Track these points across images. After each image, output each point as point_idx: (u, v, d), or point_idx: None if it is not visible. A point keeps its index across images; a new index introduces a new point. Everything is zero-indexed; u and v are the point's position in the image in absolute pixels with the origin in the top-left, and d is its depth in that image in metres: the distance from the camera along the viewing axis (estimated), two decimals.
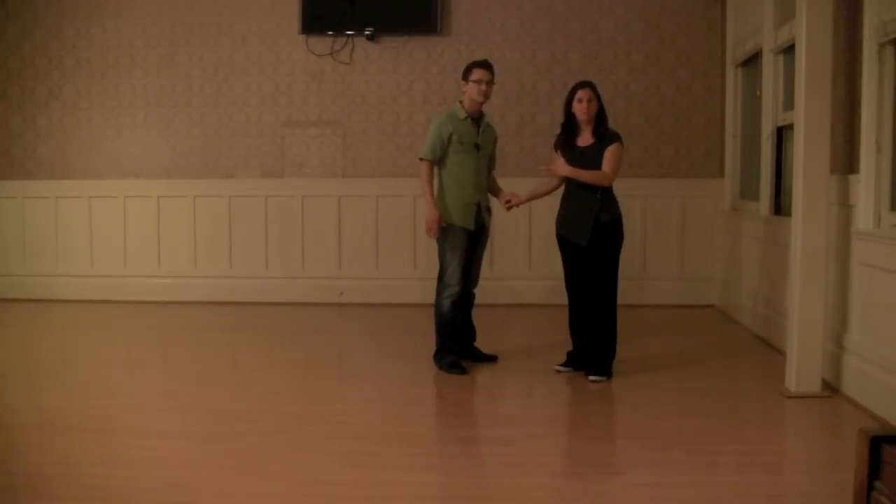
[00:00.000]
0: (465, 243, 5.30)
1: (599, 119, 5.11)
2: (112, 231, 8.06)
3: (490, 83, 5.30)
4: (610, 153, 5.04)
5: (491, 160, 5.52)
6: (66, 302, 7.89)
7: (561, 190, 5.28)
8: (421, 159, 5.36)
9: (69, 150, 8.12)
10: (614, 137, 5.10)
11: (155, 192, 8.01)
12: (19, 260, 8.13)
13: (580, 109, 5.06)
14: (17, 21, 8.05)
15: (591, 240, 5.03)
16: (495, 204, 5.59)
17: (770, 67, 6.23)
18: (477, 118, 5.36)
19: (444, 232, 5.29)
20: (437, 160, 5.31)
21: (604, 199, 5.04)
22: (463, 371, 5.26)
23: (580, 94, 5.08)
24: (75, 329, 7.04)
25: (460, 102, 5.40)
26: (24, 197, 8.11)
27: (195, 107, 8.01)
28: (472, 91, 5.29)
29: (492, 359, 5.55)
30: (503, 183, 5.69)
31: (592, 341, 5.13)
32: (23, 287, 8.04)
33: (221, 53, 7.95)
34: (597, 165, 5.03)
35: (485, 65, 5.34)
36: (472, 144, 5.32)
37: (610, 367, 5.12)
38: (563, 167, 5.09)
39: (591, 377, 5.08)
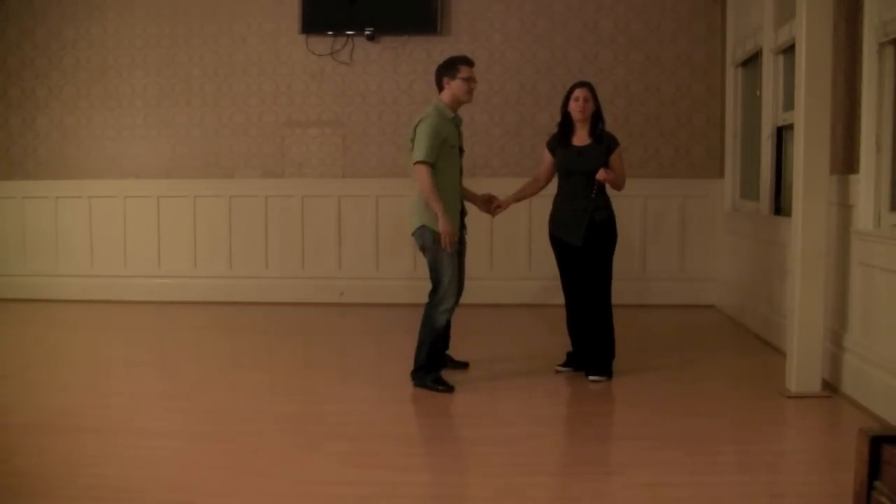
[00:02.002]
0: (458, 252, 5.00)
1: (596, 119, 5.12)
2: (112, 231, 8.06)
3: (476, 82, 5.07)
4: (619, 160, 5.11)
5: None
6: (66, 302, 7.89)
7: (552, 190, 5.28)
8: (421, 163, 4.81)
9: (69, 150, 8.12)
10: (615, 141, 5.13)
11: (155, 192, 8.01)
12: (19, 260, 8.13)
13: (576, 108, 5.07)
14: (17, 21, 8.05)
15: (586, 239, 5.04)
16: (471, 208, 5.38)
17: (770, 67, 6.23)
18: (455, 117, 5.03)
19: (438, 242, 4.88)
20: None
21: (598, 198, 5.05)
22: (450, 388, 4.93)
23: (577, 93, 5.08)
24: (75, 329, 7.04)
25: (439, 100, 4.99)
26: (24, 197, 8.11)
27: (195, 107, 8.01)
28: (460, 90, 4.95)
29: (463, 366, 5.35)
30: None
31: (591, 341, 5.14)
32: (23, 287, 8.04)
33: (221, 53, 7.95)
34: (594, 165, 5.02)
35: (472, 62, 5.05)
36: (458, 147, 5.04)
37: (610, 367, 5.13)
38: (606, 174, 5.00)
39: (591, 377, 5.08)
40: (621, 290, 7.58)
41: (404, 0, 7.70)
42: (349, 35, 7.77)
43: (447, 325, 5.10)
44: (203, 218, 8.01)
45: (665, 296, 7.67)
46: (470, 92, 5.00)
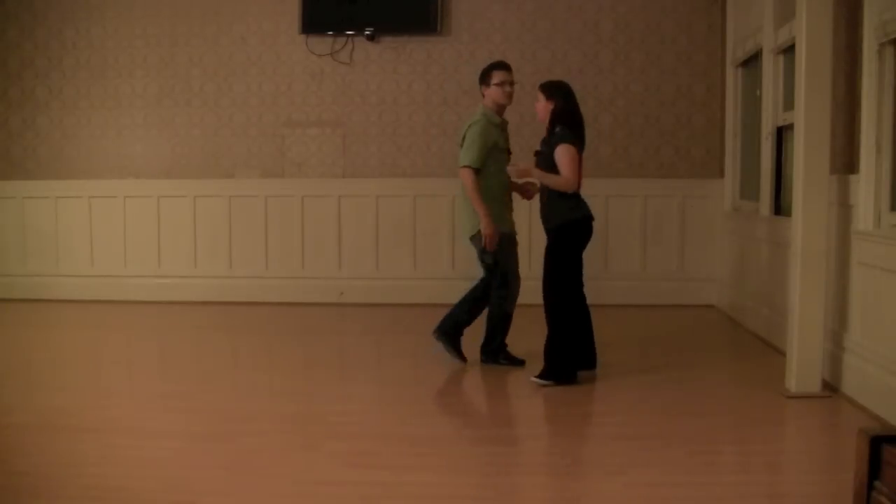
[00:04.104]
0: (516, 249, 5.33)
1: (554, 120, 4.98)
2: (112, 231, 8.06)
3: (513, 84, 5.25)
4: (557, 157, 4.87)
5: None
6: (66, 302, 7.89)
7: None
8: (466, 167, 5.10)
9: (69, 150, 8.12)
10: (559, 139, 4.91)
11: (155, 192, 8.01)
12: (19, 260, 8.13)
13: None
14: (17, 21, 8.04)
15: (548, 242, 5.03)
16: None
17: (770, 67, 6.23)
18: (501, 122, 5.29)
19: (500, 241, 5.17)
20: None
21: (550, 204, 4.97)
22: (520, 362, 5.37)
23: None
24: (75, 329, 7.04)
25: (484, 105, 5.26)
26: (24, 197, 8.11)
27: (195, 107, 8.01)
28: (496, 95, 5.21)
29: (520, 363, 5.40)
30: None
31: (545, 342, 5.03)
32: (23, 287, 8.04)
33: (221, 53, 7.95)
34: (545, 167, 4.92)
35: (504, 66, 5.29)
36: (506, 150, 5.30)
37: (555, 372, 4.92)
38: (526, 169, 5.06)
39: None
40: (621, 290, 7.65)
41: (404, 0, 7.70)
42: (349, 35, 7.77)
43: (510, 314, 5.34)
44: (203, 218, 8.01)
45: (665, 296, 7.67)
46: (507, 95, 5.24)
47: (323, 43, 7.83)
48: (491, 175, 5.16)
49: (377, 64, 7.86)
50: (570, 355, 4.95)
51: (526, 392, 5.09)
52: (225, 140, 8.01)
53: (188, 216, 8.01)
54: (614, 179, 7.67)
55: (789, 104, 5.88)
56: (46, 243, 8.11)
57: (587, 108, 7.57)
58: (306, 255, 7.96)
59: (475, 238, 5.23)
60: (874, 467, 2.29)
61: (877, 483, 2.29)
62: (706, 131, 7.69)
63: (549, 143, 4.96)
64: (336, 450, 3.92)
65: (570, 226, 4.93)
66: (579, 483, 3.56)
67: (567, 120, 4.95)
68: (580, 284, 5.06)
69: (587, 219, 4.97)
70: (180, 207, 8.01)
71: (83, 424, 4.29)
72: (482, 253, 5.25)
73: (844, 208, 4.78)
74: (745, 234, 6.85)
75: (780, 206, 6.27)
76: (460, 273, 7.57)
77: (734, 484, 3.53)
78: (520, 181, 5.33)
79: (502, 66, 5.29)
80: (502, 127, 5.29)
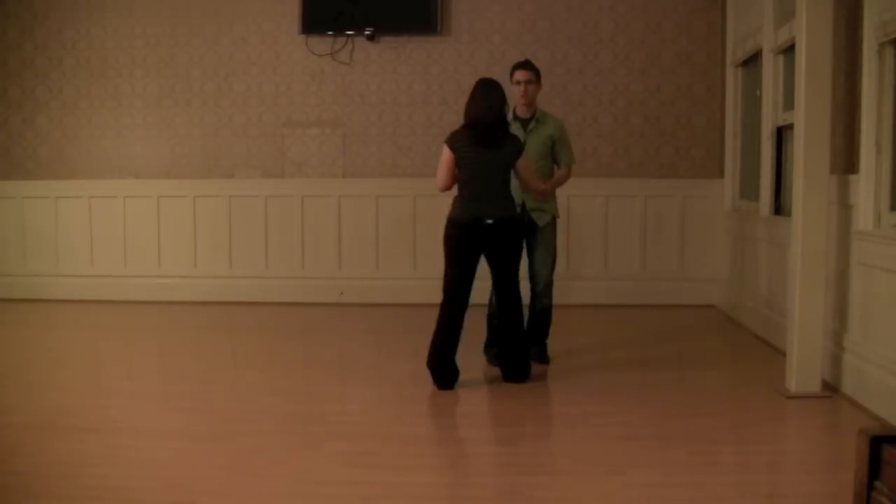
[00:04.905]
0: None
1: None
2: (112, 231, 8.06)
3: (530, 83, 5.29)
4: None
5: (559, 155, 5.38)
6: (66, 302, 7.89)
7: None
8: None
9: (69, 150, 8.12)
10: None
11: (155, 192, 8.02)
12: (19, 260, 8.13)
13: None
14: (17, 21, 8.05)
15: None
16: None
17: (770, 67, 6.23)
18: (526, 119, 5.32)
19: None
20: None
21: None
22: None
23: None
24: (75, 329, 7.04)
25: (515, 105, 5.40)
26: (24, 197, 8.11)
27: (195, 107, 8.01)
28: (514, 92, 5.30)
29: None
30: None
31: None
32: (23, 287, 8.04)
33: (221, 53, 7.95)
34: None
35: (523, 65, 5.35)
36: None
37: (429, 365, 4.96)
38: None
39: None
40: (621, 290, 7.65)
41: (404, 0, 7.71)
42: (349, 35, 7.78)
43: (489, 316, 5.41)
44: (203, 218, 8.01)
45: (665, 296, 7.67)
46: (521, 94, 5.30)
47: (323, 43, 7.83)
48: None
49: (377, 64, 7.86)
50: (441, 352, 4.91)
51: (526, 392, 5.09)
52: (225, 140, 8.01)
53: (188, 216, 8.01)
54: (614, 179, 7.68)
55: (789, 104, 5.88)
56: (46, 243, 8.11)
57: (587, 108, 7.64)
58: (306, 255, 7.96)
59: None
60: (874, 467, 2.29)
61: (877, 483, 2.29)
62: (706, 131, 7.70)
63: None
64: (336, 450, 3.92)
65: (447, 223, 4.97)
66: (579, 483, 3.56)
67: (467, 119, 4.94)
68: (462, 291, 4.96)
69: (450, 222, 4.91)
70: (180, 207, 8.01)
71: (83, 424, 4.29)
72: None
73: (844, 208, 4.79)
74: (745, 234, 6.85)
75: (780, 206, 6.27)
76: None
77: (734, 484, 3.53)
78: None
79: (518, 65, 5.38)
80: (521, 124, 5.31)
